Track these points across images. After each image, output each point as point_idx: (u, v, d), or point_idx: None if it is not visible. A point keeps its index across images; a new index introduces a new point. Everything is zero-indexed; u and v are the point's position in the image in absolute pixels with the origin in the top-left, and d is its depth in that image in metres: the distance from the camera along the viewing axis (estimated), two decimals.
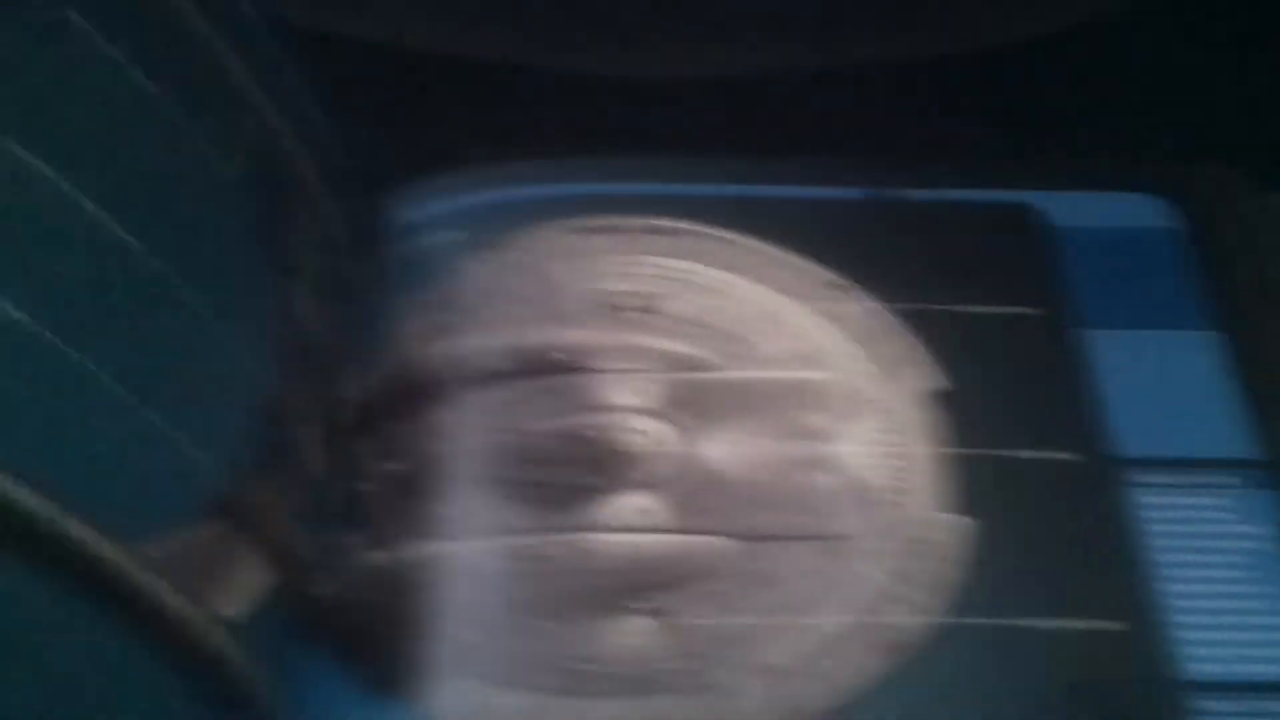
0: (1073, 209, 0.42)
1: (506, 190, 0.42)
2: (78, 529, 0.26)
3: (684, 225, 0.41)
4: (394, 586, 0.35)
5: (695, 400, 0.37)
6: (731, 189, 0.42)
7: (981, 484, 0.36)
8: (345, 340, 0.39)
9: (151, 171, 0.32)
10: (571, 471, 0.36)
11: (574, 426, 0.37)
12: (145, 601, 0.28)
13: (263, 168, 0.37)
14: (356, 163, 0.43)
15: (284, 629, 0.34)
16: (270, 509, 0.34)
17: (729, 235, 0.41)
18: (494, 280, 0.40)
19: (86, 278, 0.29)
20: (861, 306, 0.39)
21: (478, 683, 0.33)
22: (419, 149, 0.45)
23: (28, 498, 0.26)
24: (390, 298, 0.40)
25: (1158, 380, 0.38)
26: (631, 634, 0.33)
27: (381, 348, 0.39)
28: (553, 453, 0.36)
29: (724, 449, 0.36)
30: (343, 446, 0.38)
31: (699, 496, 0.35)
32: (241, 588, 0.32)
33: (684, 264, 0.40)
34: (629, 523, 0.35)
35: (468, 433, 0.37)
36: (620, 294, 0.39)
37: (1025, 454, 0.36)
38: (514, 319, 0.39)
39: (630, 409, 0.37)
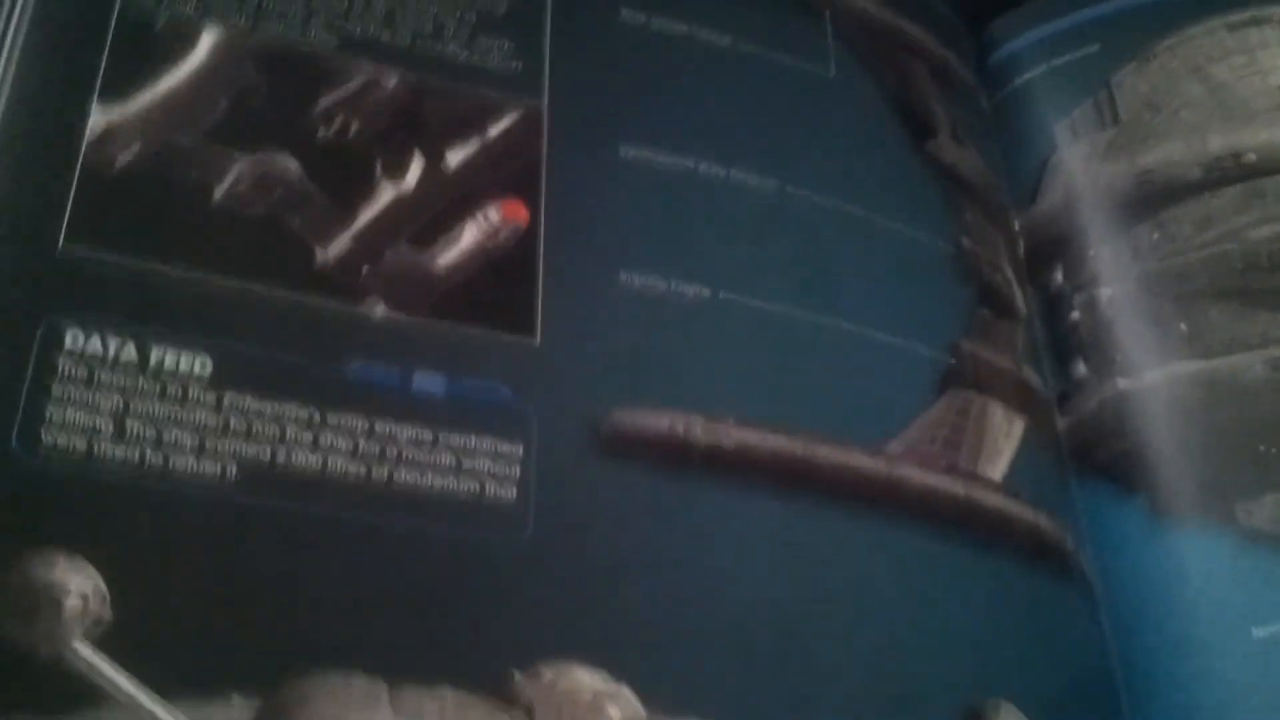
0: None
1: None
2: None
3: None
4: (1147, 410, 0.34)
5: None
6: None
7: None
8: (1004, 176, 0.38)
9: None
10: None
11: None
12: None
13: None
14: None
15: (1056, 472, 0.33)
16: (994, 361, 0.34)
17: None
18: (1154, 90, 0.38)
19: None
20: None
21: None
22: None
23: None
24: (1036, 125, 0.39)
25: None
26: None
27: (1045, 175, 0.38)
28: None
29: None
30: (1037, 280, 0.37)
31: None
32: (998, 445, 0.32)
33: None
34: None
35: (1180, 246, 0.35)
36: None
37: None
38: (1190, 126, 0.37)
39: None
